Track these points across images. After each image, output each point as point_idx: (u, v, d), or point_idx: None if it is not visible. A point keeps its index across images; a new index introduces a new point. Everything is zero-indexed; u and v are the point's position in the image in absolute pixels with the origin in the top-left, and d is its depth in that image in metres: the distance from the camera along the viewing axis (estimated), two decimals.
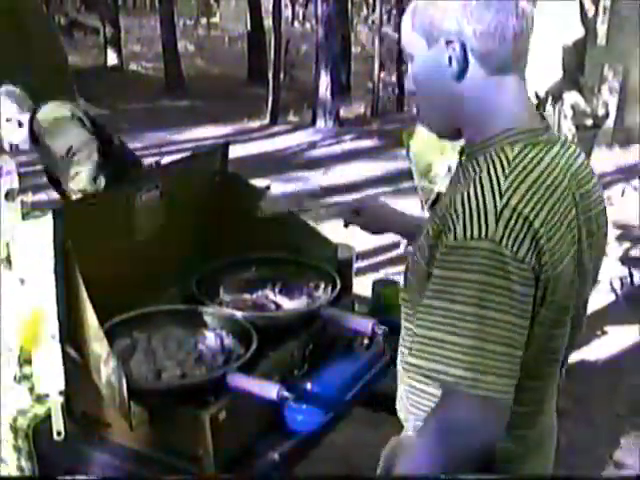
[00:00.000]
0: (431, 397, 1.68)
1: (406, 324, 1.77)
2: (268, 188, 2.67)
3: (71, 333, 1.99)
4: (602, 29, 11.23)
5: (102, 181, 3.87)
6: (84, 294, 1.89)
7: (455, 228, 1.47)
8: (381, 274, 5.49)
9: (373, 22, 17.87)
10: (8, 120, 4.05)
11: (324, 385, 2.16)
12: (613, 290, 5.91)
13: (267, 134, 11.93)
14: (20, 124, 4.07)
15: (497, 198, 1.47)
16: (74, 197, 3.85)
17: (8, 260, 2.26)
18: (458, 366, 1.45)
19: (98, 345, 1.91)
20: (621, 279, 6.05)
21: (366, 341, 2.33)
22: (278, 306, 2.44)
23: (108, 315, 2.08)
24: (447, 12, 1.58)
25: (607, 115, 7.63)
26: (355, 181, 7.94)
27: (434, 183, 5.13)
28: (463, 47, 1.57)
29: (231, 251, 2.44)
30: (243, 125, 12.21)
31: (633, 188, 7.81)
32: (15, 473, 2.18)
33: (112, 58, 17.47)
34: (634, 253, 6.22)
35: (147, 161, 5.15)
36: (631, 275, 6.13)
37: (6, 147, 4.05)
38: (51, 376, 2.08)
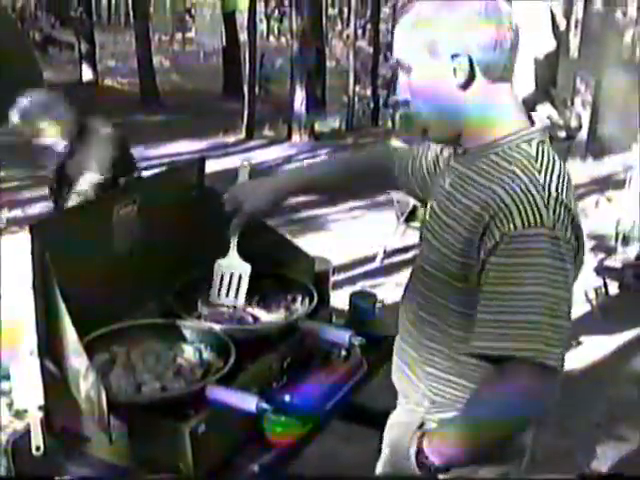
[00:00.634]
0: (452, 384, 1.90)
1: (424, 314, 1.94)
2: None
3: (50, 348, 1.99)
4: (574, 42, 11.34)
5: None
6: (63, 309, 1.89)
7: (512, 219, 1.64)
8: (358, 287, 5.51)
9: (348, 36, 17.92)
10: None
11: (302, 397, 2.17)
12: (588, 300, 5.96)
13: (243, 149, 11.92)
14: None
15: (540, 190, 1.66)
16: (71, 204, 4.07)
17: None
18: (533, 341, 1.63)
19: (77, 360, 1.91)
20: (596, 290, 6.10)
21: (344, 353, 2.34)
22: (256, 319, 2.44)
23: (87, 329, 2.08)
24: (452, 27, 1.71)
25: (580, 127, 7.71)
26: (331, 195, 7.95)
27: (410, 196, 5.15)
28: (469, 60, 1.70)
29: (209, 264, 2.44)
30: (219, 140, 12.20)
31: (607, 199, 7.87)
32: None
33: (87, 73, 17.43)
34: (609, 264, 6.26)
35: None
36: (606, 285, 6.18)
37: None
38: (30, 391, 2.08)
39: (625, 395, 4.84)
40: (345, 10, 25.23)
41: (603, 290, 6.16)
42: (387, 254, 7.00)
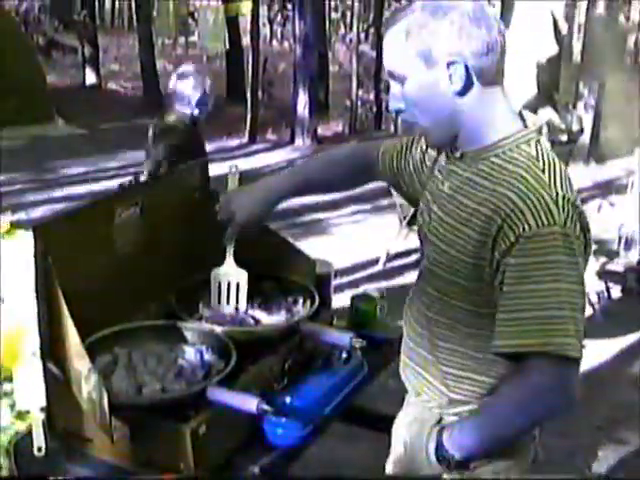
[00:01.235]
0: (472, 381, 1.94)
1: (438, 316, 1.96)
2: None
3: (52, 349, 1.99)
4: (577, 47, 11.35)
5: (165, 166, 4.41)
6: (65, 311, 1.90)
7: (526, 220, 1.68)
8: (360, 290, 5.51)
9: (351, 40, 17.90)
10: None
11: (303, 399, 2.18)
12: (591, 304, 5.96)
13: (246, 152, 11.93)
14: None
15: (548, 190, 1.71)
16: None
17: None
18: (555, 335, 1.69)
19: (79, 361, 1.91)
20: (598, 293, 6.11)
21: (344, 355, 2.35)
22: (257, 321, 2.45)
23: (89, 331, 2.09)
24: (445, 35, 1.72)
25: (582, 131, 7.71)
26: (334, 199, 7.96)
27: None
28: (465, 66, 1.73)
29: (210, 267, 2.45)
30: (222, 143, 12.21)
31: (609, 204, 7.89)
32: None
33: (90, 77, 17.43)
34: (611, 268, 6.27)
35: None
36: (608, 289, 6.19)
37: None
38: (32, 393, 2.09)
39: (626, 398, 4.84)
40: (348, 14, 25.20)
41: (605, 294, 6.17)
42: (390, 257, 7.00)
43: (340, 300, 2.86)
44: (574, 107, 10.14)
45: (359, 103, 13.89)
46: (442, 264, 1.88)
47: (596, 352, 5.34)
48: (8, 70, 11.23)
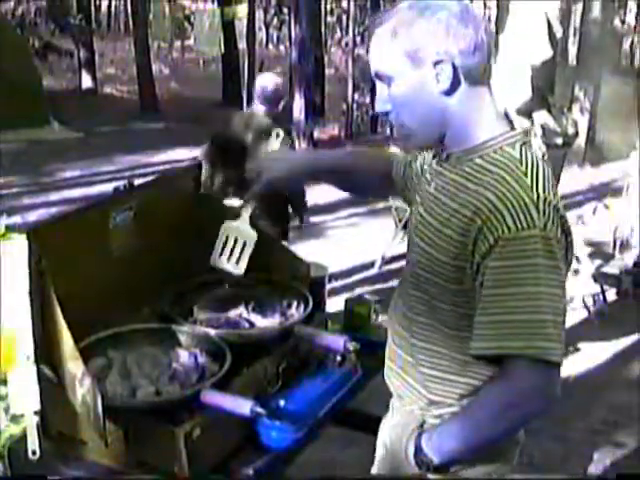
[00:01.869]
0: (454, 383, 1.90)
1: (419, 318, 1.94)
2: None
3: (46, 353, 1.99)
4: (573, 50, 11.38)
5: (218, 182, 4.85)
6: (59, 314, 1.90)
7: (505, 223, 1.67)
8: (356, 294, 5.51)
9: (346, 44, 17.95)
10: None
11: (297, 402, 2.18)
12: (586, 307, 5.98)
13: None
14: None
15: (529, 193, 1.69)
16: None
17: None
18: (535, 339, 1.67)
19: (73, 364, 1.92)
20: (593, 296, 6.12)
21: (339, 358, 2.35)
22: (251, 324, 2.45)
23: (83, 334, 2.09)
24: (432, 35, 1.71)
25: (577, 134, 7.72)
26: (330, 201, 7.98)
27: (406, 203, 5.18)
28: (453, 66, 1.72)
29: (204, 270, 2.45)
30: None
31: (604, 206, 7.90)
32: None
33: (86, 81, 17.46)
34: (606, 270, 6.27)
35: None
36: (603, 292, 6.20)
37: None
38: (26, 396, 2.09)
39: (622, 401, 4.85)
40: (344, 18, 25.25)
41: (601, 297, 6.18)
42: (385, 261, 7.01)
43: (335, 303, 2.86)
44: (569, 110, 10.16)
45: (355, 106, 13.90)
46: (426, 266, 1.87)
47: (591, 355, 5.36)
48: (4, 73, 11.24)
